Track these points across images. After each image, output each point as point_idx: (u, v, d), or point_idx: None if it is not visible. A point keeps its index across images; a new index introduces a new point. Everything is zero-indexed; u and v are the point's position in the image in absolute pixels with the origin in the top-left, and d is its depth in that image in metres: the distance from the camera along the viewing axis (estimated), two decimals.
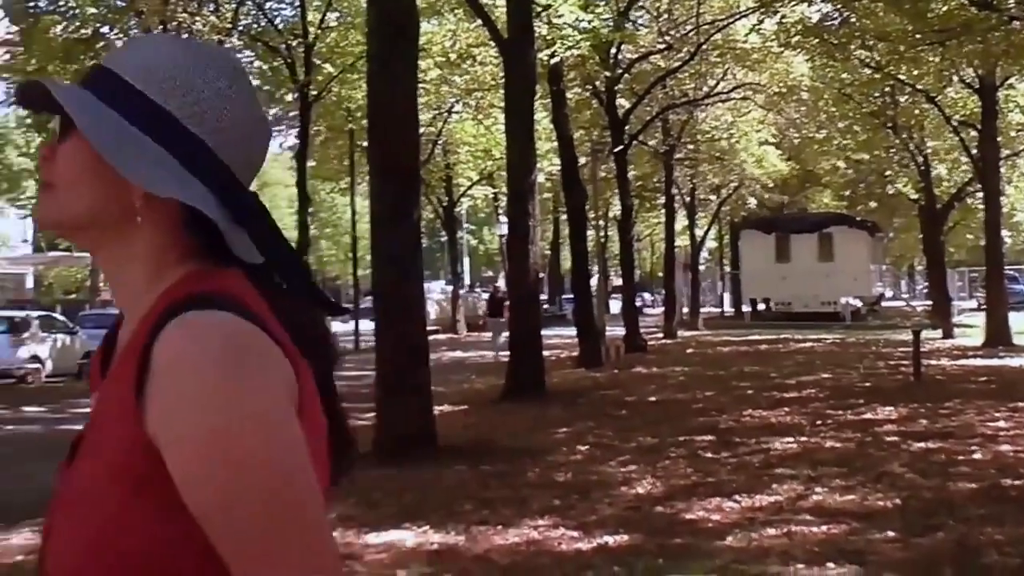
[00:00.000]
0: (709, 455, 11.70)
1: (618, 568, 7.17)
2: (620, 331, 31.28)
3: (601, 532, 8.15)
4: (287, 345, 1.44)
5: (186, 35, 31.46)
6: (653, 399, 17.41)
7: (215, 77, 1.57)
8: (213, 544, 1.38)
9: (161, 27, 30.50)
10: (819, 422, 14.09)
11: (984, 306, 34.07)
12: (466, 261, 69.30)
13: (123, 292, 1.55)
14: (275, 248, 1.58)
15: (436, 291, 54.89)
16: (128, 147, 1.48)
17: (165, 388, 1.37)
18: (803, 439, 12.69)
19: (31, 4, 30.33)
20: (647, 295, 75.02)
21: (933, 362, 22.85)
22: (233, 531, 1.37)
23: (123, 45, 1.60)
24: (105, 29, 31.74)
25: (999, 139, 32.40)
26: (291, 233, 59.98)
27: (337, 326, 48.33)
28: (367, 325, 40.90)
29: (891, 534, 7.95)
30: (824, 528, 8.18)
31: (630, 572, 7.09)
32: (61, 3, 30.90)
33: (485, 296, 61.55)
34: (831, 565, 7.11)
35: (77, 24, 31.27)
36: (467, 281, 67.07)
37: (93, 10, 30.42)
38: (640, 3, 32.93)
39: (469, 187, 49.83)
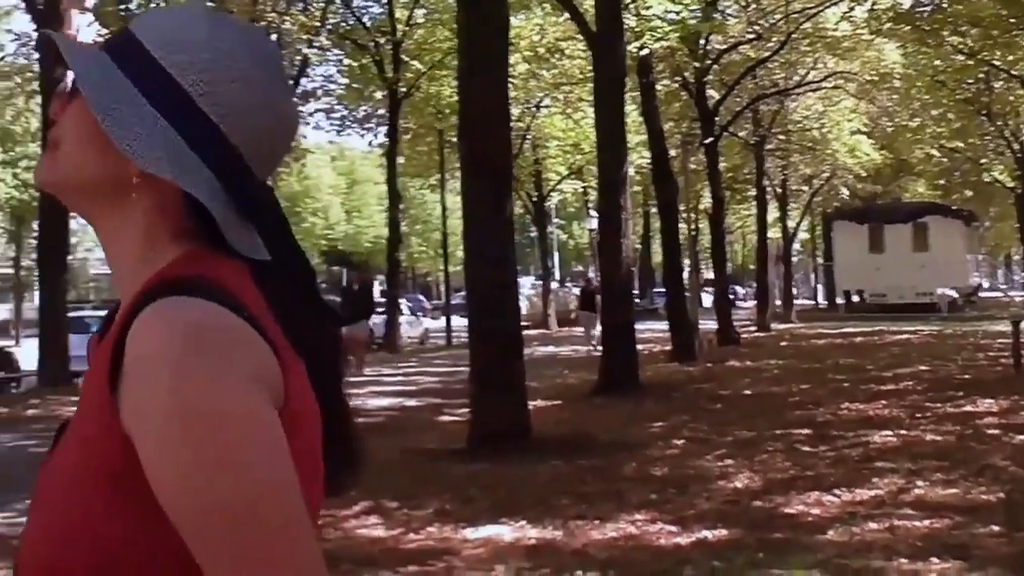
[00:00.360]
0: (807, 449, 11.56)
1: (718, 563, 7.11)
2: (712, 324, 31.08)
3: (699, 526, 8.09)
4: (277, 339, 1.37)
5: (274, 35, 31.84)
6: (748, 392, 17.25)
7: (242, 58, 1.50)
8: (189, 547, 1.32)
9: None
10: (918, 415, 13.88)
11: None
12: (556, 256, 69.16)
13: (116, 269, 1.49)
14: (281, 246, 1.51)
15: (526, 286, 54.87)
16: (129, 118, 1.42)
17: (132, 381, 1.31)
18: (902, 432, 12.50)
19: (122, 7, 30.72)
20: (739, 288, 74.50)
21: None
22: (197, 532, 1.30)
23: (156, 11, 1.55)
24: None
25: None
26: (382, 230, 60.60)
27: (429, 322, 48.60)
28: (458, 321, 41.19)
29: (995, 528, 7.79)
30: (926, 522, 8.05)
31: (730, 567, 7.03)
32: (152, 4, 31.28)
33: (576, 291, 61.63)
34: (935, 560, 6.98)
35: None
36: (557, 276, 66.92)
37: None
38: None
39: (559, 182, 49.77)
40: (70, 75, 1.47)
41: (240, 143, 1.47)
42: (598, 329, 23.34)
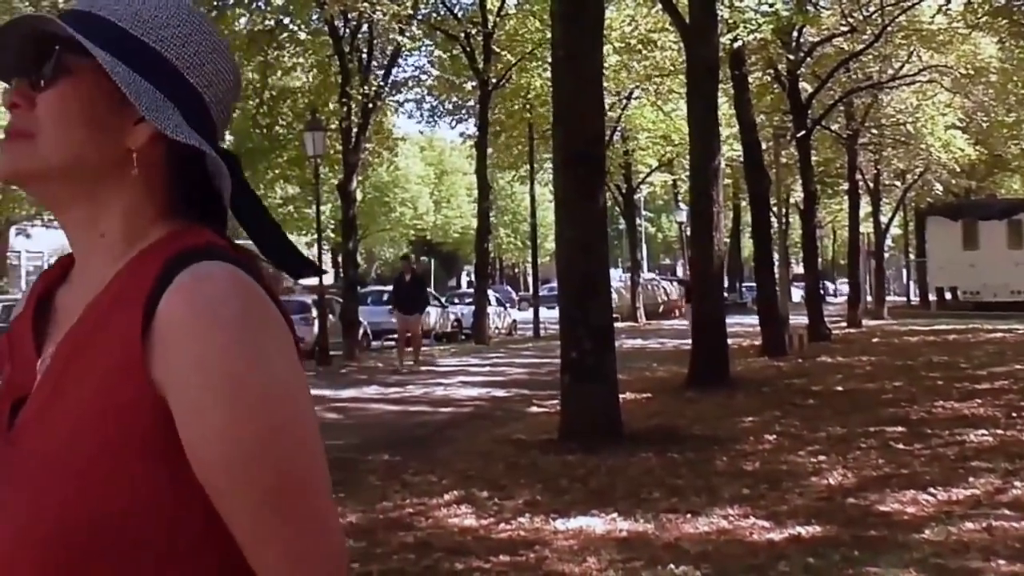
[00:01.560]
0: (901, 446, 11.40)
1: (812, 559, 7.02)
2: (803, 319, 30.82)
3: (793, 522, 8.00)
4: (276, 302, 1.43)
5: (366, 25, 31.99)
6: (840, 389, 17.06)
7: (210, 27, 1.53)
8: (219, 509, 1.35)
9: (342, 17, 30.98)
10: (1014, 414, 13.62)
11: None
12: (644, 249, 68.97)
13: (89, 249, 1.48)
14: (249, 208, 1.53)
15: (615, 279, 54.81)
16: (146, 94, 1.43)
17: (181, 341, 1.33)
18: (998, 431, 12.27)
19: None
20: (829, 283, 73.83)
21: None
22: (247, 496, 1.34)
23: None
24: (287, 20, 32.35)
25: None
26: (470, 221, 60.74)
27: (516, 314, 48.66)
28: (545, 312, 41.21)
29: None
30: None
31: (825, 564, 6.94)
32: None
33: (665, 284, 61.44)
34: None
35: (261, 16, 31.94)
36: (645, 269, 66.75)
37: (277, 2, 31.00)
38: None
39: (648, 174, 49.61)
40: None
41: (215, 112, 1.51)
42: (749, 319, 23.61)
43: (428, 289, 27.98)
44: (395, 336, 36.94)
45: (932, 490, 9.05)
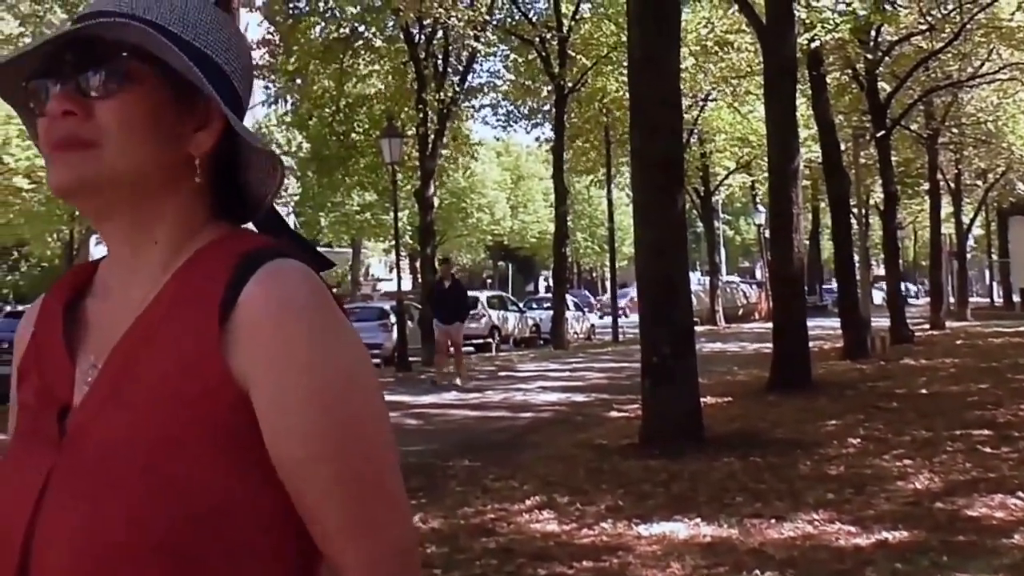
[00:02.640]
0: (988, 450, 11.20)
1: (900, 565, 6.92)
2: (885, 322, 30.50)
3: (879, 527, 7.88)
4: None
5: (441, 30, 32.09)
6: (924, 392, 16.82)
7: (233, 26, 1.54)
8: (296, 498, 1.38)
9: (417, 23, 31.10)
10: None
11: None
12: (722, 252, 68.62)
13: (137, 256, 1.49)
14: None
15: (694, 282, 54.60)
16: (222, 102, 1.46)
17: (266, 333, 1.37)
18: None
19: (290, 5, 31.28)
20: (910, 285, 73.06)
21: None
22: (327, 484, 1.38)
23: None
24: (362, 28, 32.53)
25: None
26: (547, 226, 60.78)
27: (594, 319, 48.60)
28: (623, 317, 41.16)
29: None
30: None
31: (913, 569, 6.83)
32: (321, 4, 31.77)
33: (744, 287, 61.09)
34: None
35: (336, 24, 32.14)
36: (724, 272, 66.41)
37: (352, 9, 31.18)
38: None
39: (726, 176, 49.37)
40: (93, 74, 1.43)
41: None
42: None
43: (469, 294, 25.98)
44: (473, 341, 37.24)
45: (1021, 494, 8.87)
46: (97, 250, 52.90)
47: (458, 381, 22.09)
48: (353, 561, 1.41)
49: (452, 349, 23.23)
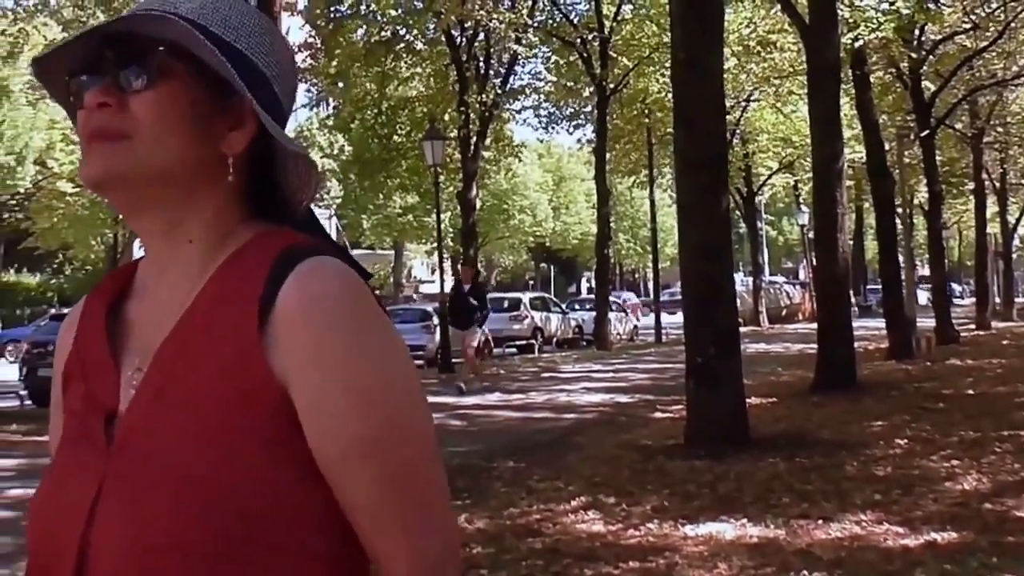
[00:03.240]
0: None
1: (949, 566, 6.87)
2: (930, 322, 30.31)
3: (928, 528, 7.83)
4: None
5: (482, 33, 32.11)
6: (971, 392, 16.70)
7: (277, 32, 1.55)
8: (340, 496, 1.39)
9: (459, 26, 31.15)
10: None
11: None
12: (765, 252, 68.36)
13: (172, 255, 1.50)
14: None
15: (737, 283, 54.33)
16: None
17: (305, 332, 1.37)
18: None
19: (332, 9, 31.38)
20: (955, 285, 72.56)
21: None
22: (370, 482, 1.39)
23: None
24: (404, 31, 32.60)
25: None
26: (589, 227, 60.71)
27: (632, 318, 48.47)
28: (666, 318, 41.06)
29: None
30: None
31: (963, 571, 6.79)
32: (362, 7, 31.86)
33: (788, 287, 60.83)
34: None
35: (378, 27, 32.23)
36: (767, 273, 66.15)
37: (394, 12, 31.25)
38: None
39: (769, 176, 49.16)
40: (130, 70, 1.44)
41: (284, 124, 1.57)
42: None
43: (488, 297, 23.94)
44: (516, 343, 37.27)
45: None
46: (140, 253, 53.37)
47: (461, 384, 21.29)
48: (397, 559, 1.42)
49: (469, 351, 22.00)
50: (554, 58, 39.23)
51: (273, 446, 1.37)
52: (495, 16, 30.59)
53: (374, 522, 1.41)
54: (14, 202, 51.83)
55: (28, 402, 21.13)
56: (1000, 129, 40.58)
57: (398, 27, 32.36)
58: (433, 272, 66.63)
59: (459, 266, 27.38)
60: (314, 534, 1.39)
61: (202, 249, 1.48)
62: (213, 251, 1.48)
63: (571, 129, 45.88)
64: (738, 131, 42.38)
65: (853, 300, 34.17)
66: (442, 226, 31.70)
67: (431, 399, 1.50)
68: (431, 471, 1.45)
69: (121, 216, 1.53)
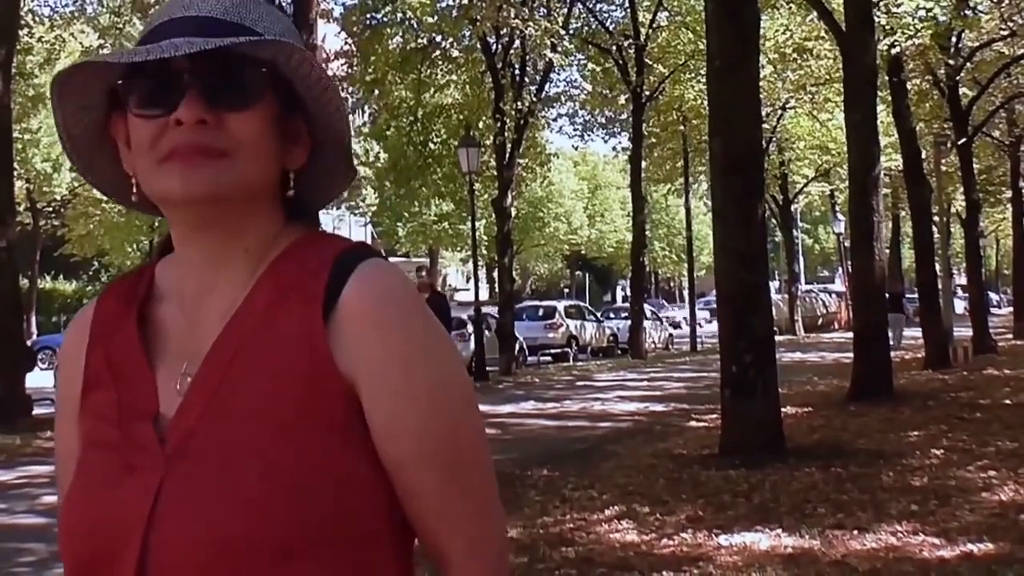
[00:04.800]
0: None
1: None
2: (966, 331, 30.12)
3: (965, 539, 7.77)
4: None
5: (518, 40, 32.10)
6: (1008, 402, 16.55)
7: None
8: (402, 490, 1.44)
9: (494, 33, 31.17)
10: None
11: None
12: (801, 260, 68.13)
13: (224, 263, 1.51)
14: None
15: (772, 291, 54.16)
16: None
17: (370, 329, 1.42)
18: None
19: (368, 16, 31.45)
20: (993, 294, 72.08)
21: None
22: (434, 475, 1.45)
23: (229, 0, 1.49)
24: (439, 38, 32.64)
25: None
26: (624, 235, 60.66)
27: (668, 327, 48.40)
28: (701, 326, 40.98)
29: None
30: None
31: None
32: (398, 15, 31.92)
33: (824, 296, 60.61)
34: None
35: (414, 34, 32.30)
36: (803, 281, 65.89)
37: (430, 20, 31.29)
38: None
39: (805, 184, 48.98)
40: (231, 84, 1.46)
41: None
42: (904, 331, 22.62)
43: (451, 313, 23.01)
44: (551, 351, 37.24)
45: None
46: None
47: None
48: (458, 547, 1.49)
49: None
50: (590, 65, 39.22)
51: (343, 437, 1.41)
52: (531, 24, 30.57)
53: (437, 512, 1.47)
54: (50, 209, 52.22)
55: None
56: None
57: (434, 34, 32.36)
58: (468, 280, 66.73)
59: (417, 275, 26.89)
60: (380, 521, 1.43)
61: (254, 257, 1.51)
62: (260, 257, 1.51)
63: (606, 137, 45.90)
64: (774, 138, 42.24)
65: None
66: (477, 234, 31.72)
67: None
68: (486, 462, 1.53)
69: (179, 229, 1.53)
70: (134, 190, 1.52)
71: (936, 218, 29.52)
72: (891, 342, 30.13)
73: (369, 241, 62.58)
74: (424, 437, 1.43)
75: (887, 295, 34.09)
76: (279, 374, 1.41)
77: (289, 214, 1.56)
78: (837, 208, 53.87)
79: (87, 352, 1.56)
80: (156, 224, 46.60)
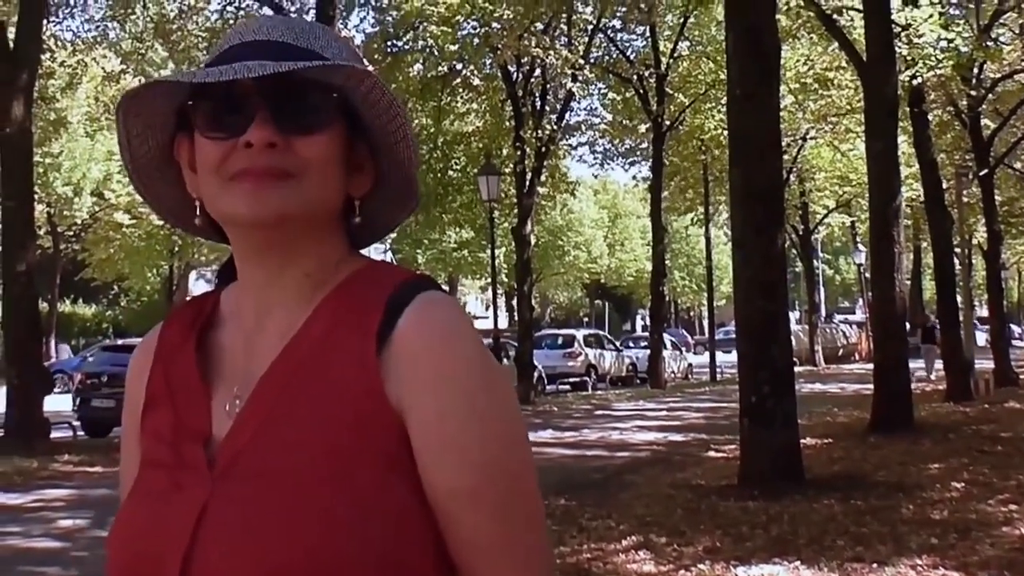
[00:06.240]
0: None
1: None
2: (988, 364, 29.99)
3: (985, 574, 7.71)
4: None
5: (538, 69, 32.18)
6: None
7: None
8: (448, 523, 1.41)
9: (515, 62, 31.24)
10: None
11: None
12: (822, 291, 67.98)
13: (283, 288, 1.51)
14: None
15: (792, 322, 54.07)
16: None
17: (426, 359, 1.40)
18: None
19: (389, 43, 31.57)
20: (1015, 326, 71.80)
21: None
22: (483, 507, 1.41)
23: (302, 27, 1.53)
24: (460, 66, 32.73)
25: None
26: (644, 264, 60.63)
27: (692, 358, 48.34)
28: (722, 357, 40.88)
29: None
30: None
31: None
32: (419, 42, 32.04)
33: (844, 327, 60.51)
34: None
35: (435, 62, 32.42)
36: (823, 312, 65.75)
37: (451, 48, 31.40)
38: (1003, 20, 31.48)
39: (825, 215, 48.89)
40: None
41: None
42: (938, 364, 22.62)
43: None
44: (570, 380, 37.18)
45: None
46: (196, 285, 53.61)
47: None
48: None
49: None
50: (610, 94, 39.28)
51: (391, 470, 1.39)
52: (551, 52, 30.63)
53: (485, 546, 1.43)
54: (71, 233, 52.47)
55: (81, 432, 21.26)
56: None
57: (454, 62, 32.47)
58: (487, 308, 66.73)
59: None
60: (427, 557, 1.40)
61: (313, 282, 1.51)
62: (320, 284, 1.51)
63: (627, 166, 46.13)
64: (795, 169, 42.17)
65: (911, 340, 33.98)
66: (496, 262, 31.76)
67: None
68: (536, 500, 1.48)
69: (243, 252, 1.54)
70: (197, 213, 1.52)
71: (957, 249, 29.41)
72: (925, 373, 30.47)
73: None
74: (474, 471, 1.41)
75: (922, 327, 34.16)
76: (331, 403, 1.41)
77: (352, 242, 1.57)
78: (858, 239, 53.81)
79: (150, 373, 1.57)
80: (176, 249, 46.86)
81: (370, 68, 1.48)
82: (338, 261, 1.54)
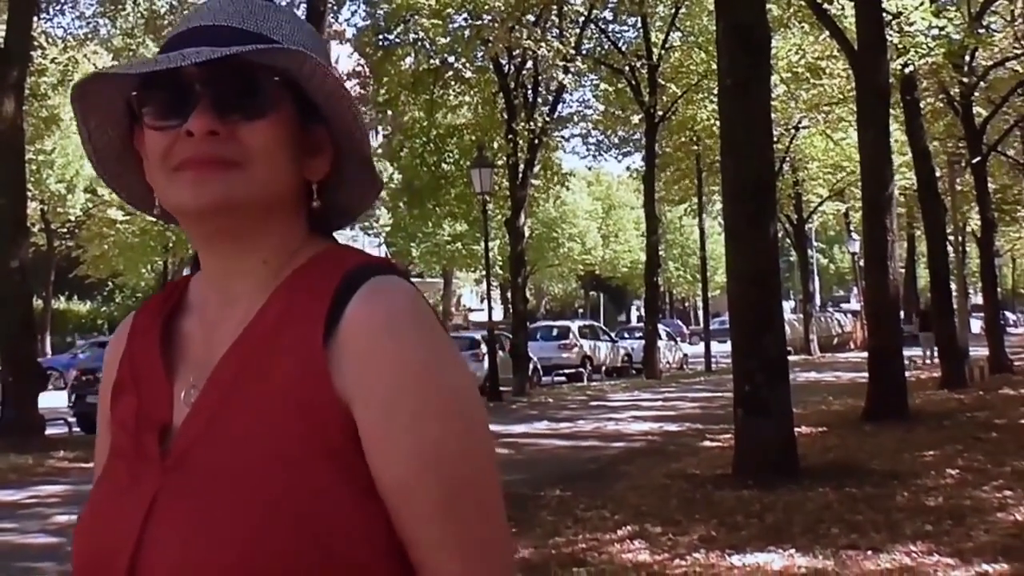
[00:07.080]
0: None
1: None
2: (982, 351, 30.02)
3: (979, 560, 7.71)
4: None
5: (530, 61, 32.15)
6: None
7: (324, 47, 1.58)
8: (398, 516, 1.36)
9: (507, 54, 31.22)
10: None
11: None
12: (816, 280, 68.01)
13: (241, 275, 1.48)
14: None
15: (786, 311, 54.18)
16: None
17: (373, 348, 1.37)
18: None
19: (380, 37, 31.55)
20: (1009, 313, 71.90)
21: None
22: (432, 499, 1.36)
23: (251, 8, 1.47)
24: (452, 59, 32.72)
25: None
26: (638, 255, 60.63)
27: (687, 348, 48.37)
28: (716, 347, 40.91)
29: None
30: None
31: None
32: (411, 35, 32.01)
33: (839, 316, 60.58)
34: None
35: (426, 55, 32.39)
36: (818, 301, 65.77)
37: (442, 40, 31.37)
38: (994, 8, 31.46)
39: (819, 204, 48.93)
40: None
41: None
42: (934, 350, 22.63)
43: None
44: (565, 371, 37.21)
45: None
46: None
47: None
48: None
49: None
50: (603, 86, 39.27)
51: (337, 462, 1.35)
52: (543, 44, 30.61)
53: (433, 539, 1.38)
54: (65, 230, 52.41)
55: (76, 429, 21.25)
56: None
57: (446, 55, 32.46)
58: (482, 300, 66.71)
59: None
60: (376, 550, 1.36)
61: (271, 269, 1.48)
62: (279, 270, 1.48)
63: (620, 157, 46.03)
64: (788, 158, 42.20)
65: (905, 328, 34.01)
66: (490, 254, 31.71)
67: None
68: (492, 487, 1.44)
69: (197, 241, 1.52)
70: (156, 202, 1.50)
71: (951, 237, 29.47)
72: (924, 360, 30.59)
73: None
74: (424, 461, 1.36)
75: (919, 314, 34.21)
76: (279, 395, 1.37)
77: (315, 227, 1.54)
78: (852, 227, 53.86)
79: (120, 362, 1.55)
80: (171, 245, 46.78)
81: (310, 52, 1.42)
82: (297, 247, 1.50)
